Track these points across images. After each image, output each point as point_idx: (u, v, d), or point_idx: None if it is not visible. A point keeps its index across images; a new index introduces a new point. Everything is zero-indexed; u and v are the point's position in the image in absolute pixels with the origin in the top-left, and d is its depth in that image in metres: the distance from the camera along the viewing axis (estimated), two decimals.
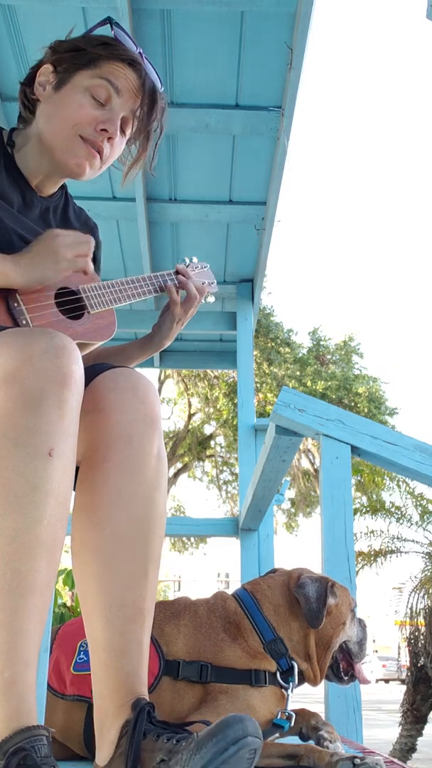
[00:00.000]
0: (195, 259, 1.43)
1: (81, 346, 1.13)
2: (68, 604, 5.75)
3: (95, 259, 1.33)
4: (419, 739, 6.89)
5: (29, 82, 1.22)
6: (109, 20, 1.23)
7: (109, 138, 1.17)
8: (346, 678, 1.47)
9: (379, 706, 14.29)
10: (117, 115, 1.18)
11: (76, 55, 1.17)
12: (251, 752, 0.77)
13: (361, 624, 1.51)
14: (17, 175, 1.20)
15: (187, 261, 1.41)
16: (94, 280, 1.22)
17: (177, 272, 1.35)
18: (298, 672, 1.37)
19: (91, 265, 1.13)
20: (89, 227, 1.35)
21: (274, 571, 1.58)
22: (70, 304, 1.18)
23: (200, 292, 1.34)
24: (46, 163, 1.21)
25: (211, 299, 1.45)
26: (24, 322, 1.09)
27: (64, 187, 1.31)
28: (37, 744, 0.77)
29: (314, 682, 1.41)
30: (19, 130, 1.25)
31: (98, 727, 0.92)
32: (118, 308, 1.26)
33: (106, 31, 1.26)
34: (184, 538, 15.34)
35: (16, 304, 1.09)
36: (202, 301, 1.39)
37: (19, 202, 1.19)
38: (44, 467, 0.84)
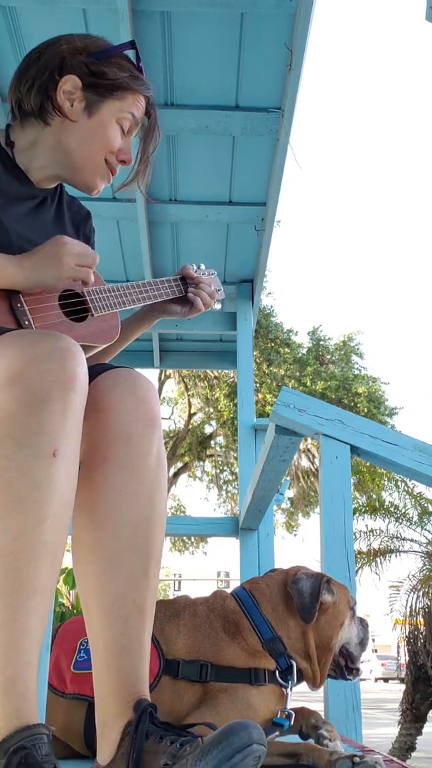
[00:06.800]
0: (203, 266, 1.46)
1: (83, 348, 1.14)
2: (66, 603, 5.75)
3: (89, 244, 1.36)
4: (418, 737, 6.90)
5: (46, 84, 1.19)
6: (133, 45, 1.25)
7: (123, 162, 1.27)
8: (350, 677, 1.48)
9: (379, 704, 14.30)
10: (130, 141, 1.27)
11: (104, 83, 1.20)
12: (256, 759, 0.78)
13: (363, 623, 1.51)
14: (16, 170, 1.21)
15: (195, 267, 1.43)
16: (98, 282, 1.23)
17: (182, 277, 1.39)
18: (297, 671, 1.37)
19: (92, 278, 1.14)
20: (82, 214, 1.36)
21: (273, 571, 1.58)
22: (74, 306, 1.18)
23: (212, 297, 1.41)
24: (60, 171, 1.25)
25: (218, 306, 1.49)
26: (26, 322, 1.09)
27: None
28: (38, 742, 0.77)
29: (314, 683, 1.41)
30: (16, 128, 1.24)
31: (100, 726, 0.93)
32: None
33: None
34: (184, 538, 15.34)
35: (19, 305, 1.10)
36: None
37: (17, 194, 1.20)
38: (48, 467, 0.85)
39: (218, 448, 15.03)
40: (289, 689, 1.34)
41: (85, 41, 1.22)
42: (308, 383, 13.17)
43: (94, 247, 1.37)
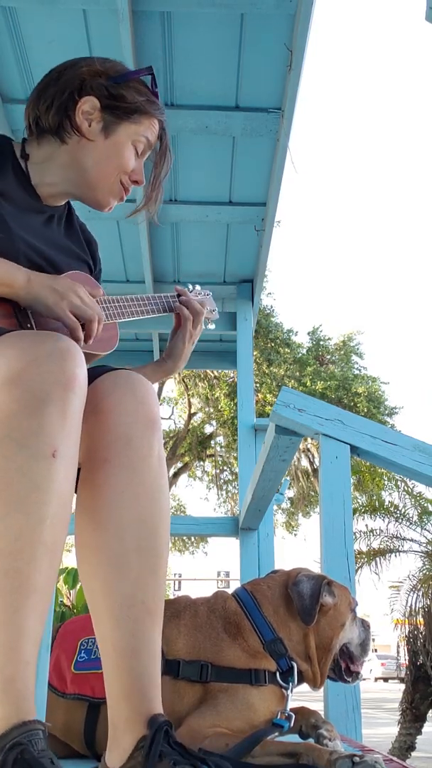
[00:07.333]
0: (198, 287, 1.51)
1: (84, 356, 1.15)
2: (66, 603, 5.75)
3: (94, 275, 1.38)
4: (418, 737, 6.91)
5: (66, 104, 1.22)
6: (151, 72, 1.28)
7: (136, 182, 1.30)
8: (349, 679, 1.48)
9: (379, 704, 14.30)
10: (142, 163, 1.30)
11: (122, 106, 1.24)
12: None
13: (364, 624, 1.51)
14: (26, 184, 1.24)
15: (190, 287, 1.48)
16: (100, 293, 1.25)
17: (178, 294, 1.43)
18: (297, 672, 1.37)
19: (80, 333, 1.13)
20: (90, 242, 1.39)
21: (275, 572, 1.58)
22: None
23: (202, 305, 1.43)
24: (71, 189, 1.27)
25: (212, 326, 1.53)
26: (29, 326, 1.11)
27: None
28: (34, 738, 0.78)
29: (314, 684, 1.41)
30: (32, 143, 1.27)
31: (111, 728, 0.93)
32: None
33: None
34: (184, 538, 15.35)
35: (22, 308, 1.12)
36: (203, 326, 1.46)
37: (25, 206, 1.22)
38: (47, 468, 0.85)
39: (218, 448, 15.03)
40: (289, 691, 1.34)
41: (105, 65, 1.26)
42: (308, 383, 13.17)
43: (100, 275, 1.40)
